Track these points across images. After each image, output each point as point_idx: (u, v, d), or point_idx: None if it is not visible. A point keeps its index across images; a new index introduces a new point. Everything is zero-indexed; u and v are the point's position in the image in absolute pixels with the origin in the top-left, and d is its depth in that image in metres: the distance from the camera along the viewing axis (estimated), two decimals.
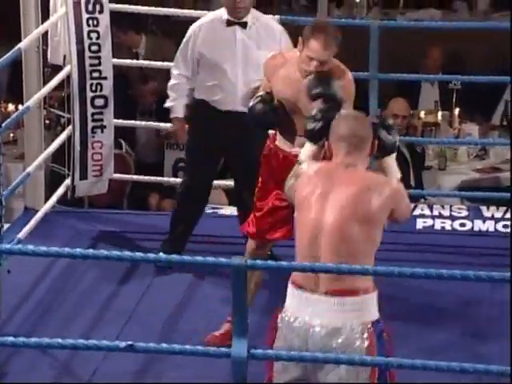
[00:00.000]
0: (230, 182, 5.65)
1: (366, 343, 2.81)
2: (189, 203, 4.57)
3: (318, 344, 2.81)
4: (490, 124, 6.61)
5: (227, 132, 4.39)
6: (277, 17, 5.15)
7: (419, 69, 6.78)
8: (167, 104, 4.61)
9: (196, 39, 4.40)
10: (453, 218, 5.00)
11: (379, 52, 4.89)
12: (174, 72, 4.52)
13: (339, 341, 2.80)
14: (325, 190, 2.88)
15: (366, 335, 2.82)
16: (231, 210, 5.30)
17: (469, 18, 7.21)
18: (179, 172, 5.98)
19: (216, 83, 4.38)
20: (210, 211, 5.13)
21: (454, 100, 6.46)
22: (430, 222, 5.00)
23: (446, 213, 5.02)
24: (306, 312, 2.85)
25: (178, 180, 5.11)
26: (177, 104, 4.53)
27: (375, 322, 2.86)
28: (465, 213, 5.01)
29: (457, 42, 6.63)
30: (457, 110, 6.40)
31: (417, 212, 5.05)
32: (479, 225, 4.92)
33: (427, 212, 5.06)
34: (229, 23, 4.38)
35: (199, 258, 2.83)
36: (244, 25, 4.38)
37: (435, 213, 5.03)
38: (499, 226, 4.91)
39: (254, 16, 4.41)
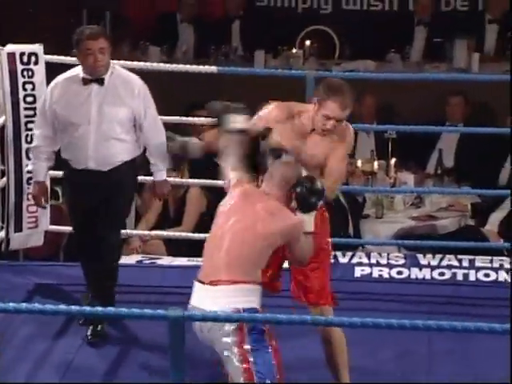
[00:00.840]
0: (169, 233, 5.65)
1: (234, 326, 3.18)
2: (84, 259, 4.45)
3: (204, 327, 3.24)
4: (424, 173, 6.71)
5: (87, 190, 4.32)
6: (214, 68, 5.22)
7: (354, 118, 6.86)
8: (29, 167, 4.58)
9: (52, 97, 4.32)
10: (390, 266, 5.03)
11: None
12: (36, 132, 4.44)
13: (211, 324, 3.21)
14: (239, 205, 3.37)
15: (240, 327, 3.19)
16: (170, 260, 5.29)
17: (402, 68, 7.34)
18: None
19: (70, 141, 4.30)
20: (148, 262, 5.09)
21: (389, 149, 6.54)
22: (367, 270, 5.03)
23: (384, 261, 5.06)
24: (194, 300, 3.33)
25: None
26: (36, 167, 4.45)
27: (249, 309, 3.22)
28: (402, 261, 5.05)
29: (391, 92, 6.74)
30: (393, 160, 6.48)
31: (355, 260, 5.08)
32: (416, 272, 4.96)
33: (365, 260, 5.09)
34: (85, 81, 4.28)
35: (136, 311, 2.80)
36: (101, 81, 4.29)
37: (373, 261, 5.06)
38: (435, 274, 4.96)
39: (113, 71, 4.32)
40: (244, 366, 3.18)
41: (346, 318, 2.79)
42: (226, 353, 3.20)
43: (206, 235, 5.21)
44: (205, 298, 3.28)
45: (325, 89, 3.73)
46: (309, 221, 3.42)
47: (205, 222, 5.77)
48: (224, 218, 3.39)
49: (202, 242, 5.39)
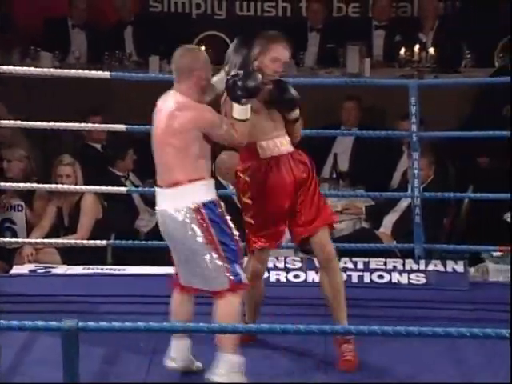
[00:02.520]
0: (63, 241, 5.56)
1: (190, 219, 3.70)
2: None
3: (165, 223, 3.79)
4: (320, 176, 6.77)
5: None
6: (107, 73, 5.16)
7: None
8: None
9: None
10: (287, 270, 5.06)
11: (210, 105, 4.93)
12: None
13: (169, 221, 3.75)
14: (160, 108, 3.85)
15: (191, 213, 3.71)
16: (65, 269, 5.20)
17: (297, 74, 7.41)
18: (6, 232, 5.85)
19: None
20: (43, 271, 4.99)
21: None
22: (265, 274, 5.03)
23: (281, 265, 5.09)
24: (157, 202, 3.83)
25: (6, 240, 4.96)
26: None
27: (207, 202, 3.73)
28: (298, 264, 5.09)
29: None
30: None
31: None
32: (313, 276, 4.99)
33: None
34: None
35: (27, 323, 2.73)
36: None
37: (270, 265, 5.07)
38: None
39: None
40: (206, 237, 3.72)
41: (241, 325, 2.78)
42: (189, 232, 3.71)
43: (103, 242, 5.22)
44: (165, 201, 3.76)
45: (264, 39, 4.06)
46: (239, 108, 3.79)
47: (100, 229, 5.71)
48: (155, 123, 3.84)
49: (98, 250, 5.41)
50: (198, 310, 3.94)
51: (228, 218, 3.81)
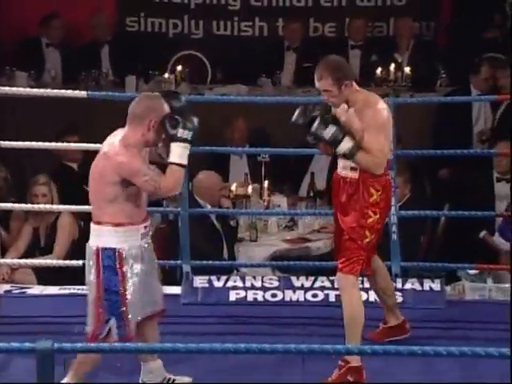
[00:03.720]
0: (39, 261, 5.52)
1: (92, 262, 3.79)
2: None
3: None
4: (297, 195, 6.79)
5: None
6: (84, 92, 5.15)
7: (226, 142, 6.90)
8: None
9: None
10: (264, 289, 5.05)
11: None
12: None
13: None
14: (102, 145, 3.88)
15: (93, 255, 3.79)
16: (41, 290, 5.16)
17: (274, 93, 7.43)
18: None
19: None
20: (18, 291, 4.95)
21: (262, 172, 6.59)
22: (242, 293, 5.03)
23: (258, 284, 5.08)
24: None
25: None
26: None
27: (105, 248, 3.77)
28: (276, 283, 5.08)
29: (263, 116, 6.81)
30: (266, 182, 6.53)
31: (230, 284, 5.09)
32: (290, 295, 4.99)
33: (240, 284, 5.10)
34: None
35: (1, 345, 2.70)
36: None
37: (247, 284, 5.08)
38: (308, 296, 5.01)
39: None
40: (95, 279, 3.79)
41: (218, 345, 2.77)
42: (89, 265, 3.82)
43: (79, 262, 5.19)
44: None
45: None
46: (175, 152, 3.76)
47: (77, 249, 5.68)
48: None
49: (74, 270, 5.37)
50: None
51: (128, 270, 3.79)
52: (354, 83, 4.17)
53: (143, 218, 3.86)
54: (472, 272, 5.14)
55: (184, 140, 3.76)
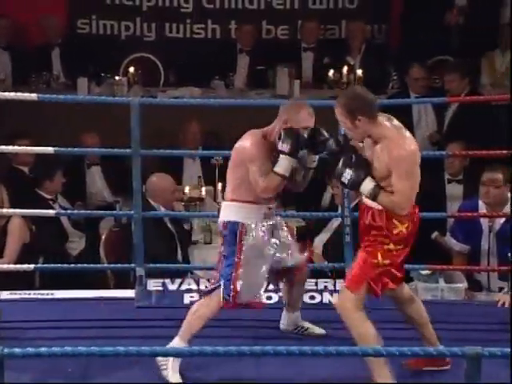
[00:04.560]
0: None
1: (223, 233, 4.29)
2: None
3: None
4: None
5: None
6: (34, 95, 5.09)
7: (179, 144, 6.88)
8: None
9: None
10: None
11: (142, 129, 4.91)
12: None
13: None
14: None
15: (222, 228, 4.29)
16: None
17: (227, 95, 7.43)
18: None
19: None
20: None
21: (216, 175, 6.58)
22: (197, 296, 5.01)
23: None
24: None
25: None
26: None
27: (231, 222, 4.24)
28: None
29: (216, 118, 6.80)
30: (219, 185, 6.52)
31: (184, 287, 5.07)
32: None
33: (194, 286, 5.09)
34: None
35: None
36: None
37: (202, 287, 5.06)
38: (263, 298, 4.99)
39: None
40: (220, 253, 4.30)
41: (173, 348, 2.75)
42: None
43: (30, 266, 5.13)
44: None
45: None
46: (281, 163, 4.15)
47: (28, 253, 5.62)
48: None
49: (25, 274, 5.31)
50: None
51: (245, 243, 4.22)
52: (379, 118, 3.95)
53: (267, 200, 4.27)
54: (424, 272, 5.17)
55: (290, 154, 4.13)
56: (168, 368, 4.14)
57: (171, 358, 4.13)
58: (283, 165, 4.15)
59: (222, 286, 4.23)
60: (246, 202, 4.25)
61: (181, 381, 4.15)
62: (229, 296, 4.21)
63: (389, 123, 3.95)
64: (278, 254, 4.39)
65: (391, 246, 3.97)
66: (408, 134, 3.96)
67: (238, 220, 4.24)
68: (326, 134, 4.19)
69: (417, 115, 7.14)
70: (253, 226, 4.25)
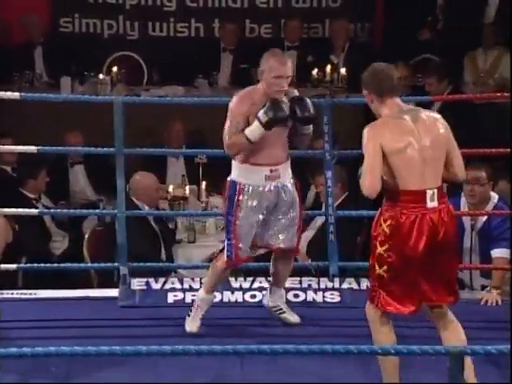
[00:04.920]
0: None
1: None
2: None
3: None
4: None
5: None
6: (17, 94, 5.07)
7: (163, 143, 6.87)
8: None
9: None
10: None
11: (125, 128, 4.91)
12: None
13: None
14: None
15: (227, 186, 4.42)
16: None
17: (210, 94, 7.42)
18: None
19: None
20: None
21: (200, 174, 6.57)
22: (180, 295, 5.01)
23: (197, 286, 5.05)
24: None
25: None
26: None
27: (232, 181, 4.37)
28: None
29: (199, 117, 6.80)
30: (203, 184, 6.51)
31: (168, 286, 5.06)
32: (228, 296, 4.98)
33: (178, 285, 5.08)
34: None
35: None
36: None
37: (186, 286, 5.06)
38: (247, 297, 5.01)
39: None
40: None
41: (156, 347, 2.75)
42: None
43: (13, 266, 5.11)
44: None
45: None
46: (252, 129, 4.23)
47: (11, 253, 5.60)
48: None
49: (7, 274, 5.29)
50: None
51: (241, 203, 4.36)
52: (393, 101, 3.83)
53: (269, 162, 4.32)
54: None
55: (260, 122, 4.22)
56: (190, 315, 4.49)
57: (196, 305, 4.50)
58: (254, 131, 4.23)
59: (225, 247, 4.42)
60: (245, 162, 4.33)
61: (195, 331, 4.42)
62: (231, 254, 4.40)
63: (398, 112, 3.80)
64: (276, 230, 4.49)
65: (379, 249, 3.75)
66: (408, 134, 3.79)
67: (236, 179, 4.36)
68: (307, 104, 4.33)
69: None
70: (251, 188, 4.34)
